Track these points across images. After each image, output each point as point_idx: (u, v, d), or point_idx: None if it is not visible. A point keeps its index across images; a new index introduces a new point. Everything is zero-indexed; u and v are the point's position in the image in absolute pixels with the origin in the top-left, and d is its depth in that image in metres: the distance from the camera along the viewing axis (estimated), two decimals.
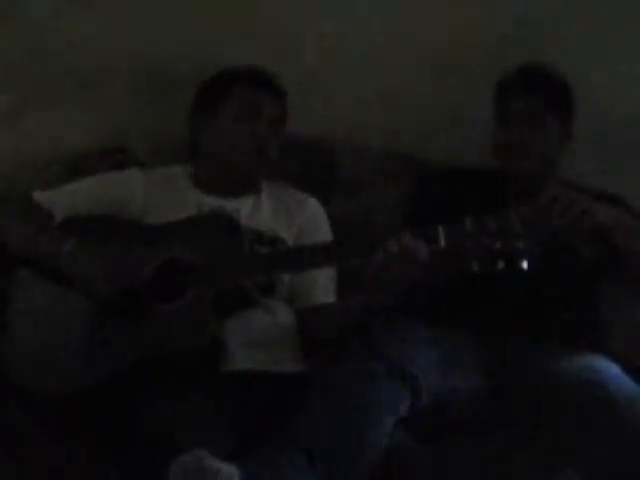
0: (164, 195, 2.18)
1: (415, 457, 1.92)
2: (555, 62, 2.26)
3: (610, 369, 1.98)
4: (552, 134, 2.22)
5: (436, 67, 2.54)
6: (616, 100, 2.53)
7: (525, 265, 1.77)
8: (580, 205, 1.93)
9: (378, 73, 2.54)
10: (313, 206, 2.25)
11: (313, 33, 2.50)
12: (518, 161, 2.21)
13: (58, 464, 1.87)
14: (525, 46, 2.46)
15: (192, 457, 1.68)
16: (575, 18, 2.50)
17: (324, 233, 2.22)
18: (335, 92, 2.53)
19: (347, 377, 1.88)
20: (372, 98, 2.54)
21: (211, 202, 2.17)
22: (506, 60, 2.29)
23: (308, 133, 2.44)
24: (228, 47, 2.43)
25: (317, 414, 1.85)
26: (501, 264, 1.77)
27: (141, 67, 2.48)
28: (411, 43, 2.52)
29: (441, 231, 1.80)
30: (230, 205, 2.17)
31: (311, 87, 2.49)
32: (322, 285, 2.15)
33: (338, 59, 2.52)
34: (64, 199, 2.16)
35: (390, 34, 2.52)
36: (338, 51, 2.52)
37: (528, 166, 2.21)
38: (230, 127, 2.16)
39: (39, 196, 2.17)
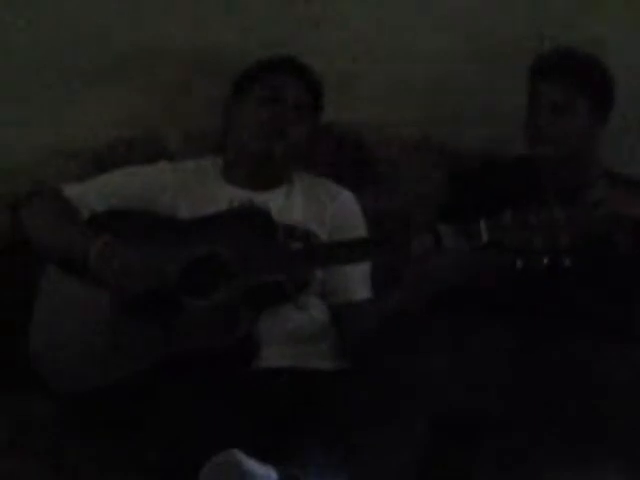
0: (194, 189, 2.15)
1: (439, 457, 1.87)
2: (596, 47, 2.24)
3: None
4: (580, 120, 2.18)
5: (471, 56, 2.51)
6: None
7: (569, 262, 1.74)
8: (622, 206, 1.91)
9: (412, 63, 2.51)
10: (347, 200, 2.21)
11: (346, 23, 2.49)
12: (544, 148, 2.18)
13: (80, 463, 1.85)
14: (564, 32, 2.42)
15: (226, 458, 1.65)
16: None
17: (358, 227, 2.18)
18: (369, 82, 2.50)
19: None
20: (406, 88, 2.51)
21: (241, 195, 2.14)
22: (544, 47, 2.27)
23: (342, 124, 2.42)
24: (260, 39, 2.42)
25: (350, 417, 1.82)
26: (546, 260, 1.73)
27: (173, 56, 2.45)
28: (446, 32, 2.50)
29: (483, 226, 1.76)
30: (260, 198, 2.14)
31: (345, 78, 2.46)
32: (357, 281, 2.11)
33: (372, 49, 2.50)
34: (93, 193, 2.13)
35: (425, 23, 2.50)
36: (372, 41, 2.50)
37: (554, 154, 2.18)
38: (253, 111, 2.15)
39: (68, 190, 2.14)
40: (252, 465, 1.64)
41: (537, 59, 2.23)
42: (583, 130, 2.19)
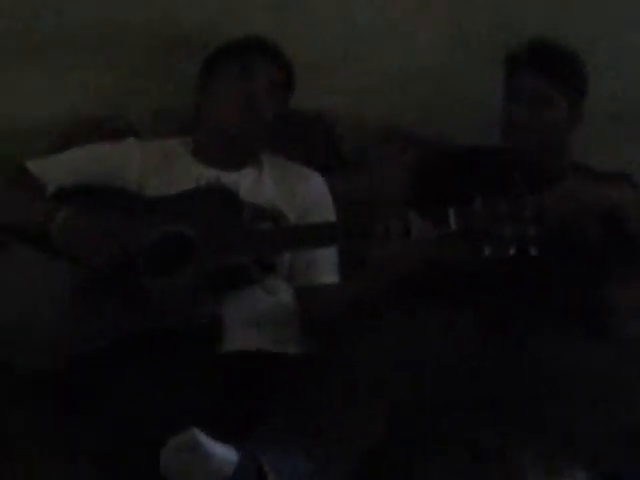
0: (162, 167, 2.13)
1: (407, 452, 1.86)
2: (571, 39, 2.22)
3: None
4: (559, 115, 2.18)
5: (444, 43, 2.51)
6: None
7: (535, 251, 1.74)
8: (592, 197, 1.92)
9: (383, 49, 2.51)
10: (317, 182, 2.20)
11: (321, 9, 2.48)
12: (520, 139, 2.17)
13: (41, 449, 1.81)
14: (541, 21, 2.43)
15: (187, 438, 1.63)
16: None
17: (327, 211, 2.17)
18: (339, 67, 2.50)
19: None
20: (376, 73, 2.51)
21: (210, 174, 2.12)
22: (520, 36, 2.24)
23: (311, 108, 2.41)
24: (238, 18, 2.41)
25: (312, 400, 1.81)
26: (513, 250, 1.74)
27: (142, 33, 2.43)
28: (418, 18, 2.49)
29: (452, 213, 1.76)
30: (229, 177, 2.12)
31: (316, 61, 2.44)
32: (324, 264, 2.10)
33: (343, 34, 2.50)
34: (58, 168, 2.11)
35: (398, 10, 2.49)
36: (343, 26, 2.49)
37: (530, 146, 2.17)
38: (224, 90, 2.14)
39: (32, 165, 2.11)
40: (212, 445, 1.62)
41: (517, 50, 2.22)
42: (561, 123, 2.19)
